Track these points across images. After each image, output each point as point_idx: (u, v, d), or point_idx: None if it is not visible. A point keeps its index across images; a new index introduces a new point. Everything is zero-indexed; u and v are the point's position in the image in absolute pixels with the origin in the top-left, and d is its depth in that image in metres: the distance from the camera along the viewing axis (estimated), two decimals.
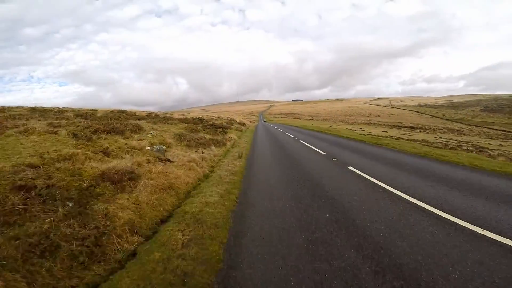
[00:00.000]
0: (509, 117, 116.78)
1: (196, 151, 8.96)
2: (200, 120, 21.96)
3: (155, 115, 22.00)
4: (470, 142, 35.26)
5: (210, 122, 20.53)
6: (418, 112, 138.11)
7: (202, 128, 15.23)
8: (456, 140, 37.12)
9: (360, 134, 26.92)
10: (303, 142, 16.25)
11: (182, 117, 22.48)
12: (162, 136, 10.48)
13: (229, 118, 43.25)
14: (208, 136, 12.64)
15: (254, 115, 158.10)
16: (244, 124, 38.71)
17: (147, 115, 20.78)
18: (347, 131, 33.58)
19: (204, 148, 9.95)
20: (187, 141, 10.09)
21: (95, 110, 20.32)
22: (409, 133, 52.47)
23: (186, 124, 15.32)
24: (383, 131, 53.05)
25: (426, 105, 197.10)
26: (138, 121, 13.36)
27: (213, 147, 10.66)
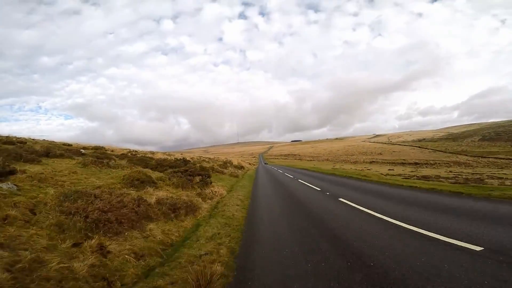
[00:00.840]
0: None
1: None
2: (185, 162, 17.83)
3: (133, 154, 18.79)
4: (483, 173, 32.61)
5: (197, 165, 16.95)
6: (419, 147, 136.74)
7: (166, 176, 9.83)
8: (468, 172, 34.54)
9: (378, 174, 24.43)
10: (327, 193, 11.62)
11: (163, 157, 19.13)
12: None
13: (225, 160, 39.60)
14: (163, 194, 7.42)
15: (254, 157, 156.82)
16: (241, 167, 32.99)
17: (127, 153, 18.59)
18: (356, 171, 31.32)
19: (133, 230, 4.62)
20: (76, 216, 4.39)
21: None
22: (416, 169, 49.96)
23: (143, 169, 10.63)
24: (389, 169, 50.78)
25: (424, 139, 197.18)
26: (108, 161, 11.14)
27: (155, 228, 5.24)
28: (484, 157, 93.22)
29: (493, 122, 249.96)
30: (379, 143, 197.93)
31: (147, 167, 12.27)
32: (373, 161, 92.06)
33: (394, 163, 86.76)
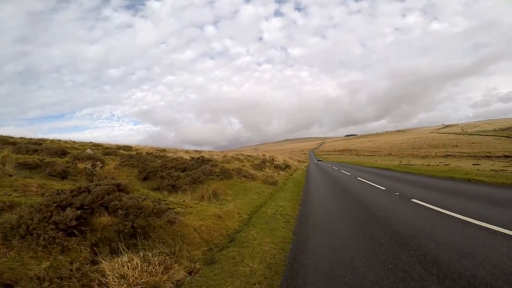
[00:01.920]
0: None
1: None
2: (202, 161, 13.54)
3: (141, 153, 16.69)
4: None
5: (219, 166, 12.95)
6: (507, 137, 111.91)
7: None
8: None
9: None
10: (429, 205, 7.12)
11: (183, 156, 16.86)
12: None
13: (264, 158, 31.13)
14: None
15: (304, 153, 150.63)
16: (287, 167, 26.11)
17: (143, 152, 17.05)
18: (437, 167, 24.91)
19: None
20: None
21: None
22: (511, 164, 39.19)
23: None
24: (473, 164, 41.42)
25: (509, 128, 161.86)
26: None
27: None
28: None
29: None
30: (452, 133, 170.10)
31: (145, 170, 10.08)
32: (448, 155, 78.04)
33: (476, 156, 71.86)
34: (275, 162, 27.32)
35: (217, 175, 10.96)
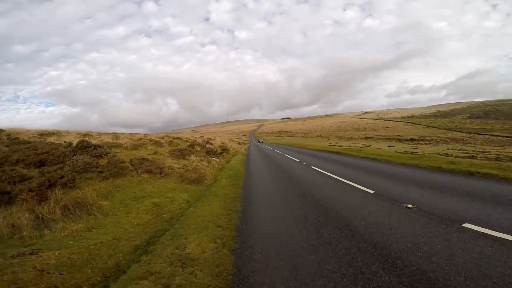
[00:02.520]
0: (504, 123, 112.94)
1: None
2: (78, 149, 8.84)
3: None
4: (487, 151, 28.12)
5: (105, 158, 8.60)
6: (412, 123, 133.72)
7: None
8: (474, 150, 29.90)
9: (394, 152, 19.11)
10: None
11: (68, 141, 10.41)
12: None
13: (196, 141, 24.71)
14: None
15: (245, 135, 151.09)
16: (224, 151, 21.05)
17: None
18: (370, 149, 26.02)
19: None
20: None
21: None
22: (417, 146, 45.75)
23: None
24: (389, 146, 46.77)
25: (413, 116, 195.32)
26: None
27: None
28: (480, 134, 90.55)
29: (479, 101, 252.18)
30: (370, 119, 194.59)
31: None
32: (368, 137, 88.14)
33: (390, 139, 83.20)
34: (208, 146, 21.09)
35: (100, 171, 7.24)
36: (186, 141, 21.75)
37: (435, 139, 78.04)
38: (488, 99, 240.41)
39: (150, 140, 17.91)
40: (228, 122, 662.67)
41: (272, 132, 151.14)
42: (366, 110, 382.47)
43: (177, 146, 16.36)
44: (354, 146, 45.64)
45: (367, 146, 47.92)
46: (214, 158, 15.32)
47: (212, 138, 41.87)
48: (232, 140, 67.83)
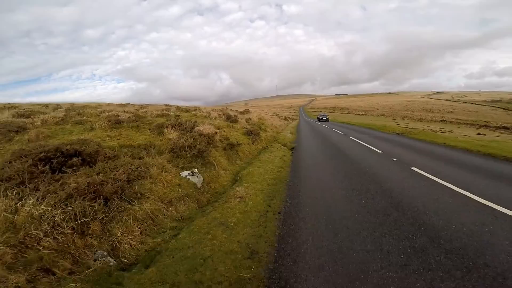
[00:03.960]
0: None
1: None
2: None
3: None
4: None
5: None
6: (503, 108, 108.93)
7: None
8: None
9: None
10: None
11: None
12: None
13: (220, 113, 18.40)
14: None
15: (294, 109, 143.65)
16: (254, 134, 13.02)
17: None
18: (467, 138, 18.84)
19: None
20: None
21: None
22: None
23: None
24: (478, 134, 36.97)
25: (500, 100, 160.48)
26: None
27: None
28: None
29: None
30: (444, 100, 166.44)
31: None
32: (444, 120, 73.97)
33: (473, 124, 68.07)
34: (238, 121, 15.90)
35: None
36: (195, 115, 16.32)
37: None
38: None
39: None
40: (277, 96, 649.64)
41: (325, 108, 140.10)
42: (438, 91, 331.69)
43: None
44: (432, 130, 37.00)
45: (449, 131, 38.56)
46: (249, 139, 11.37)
47: (250, 111, 31.40)
48: (276, 115, 51.47)
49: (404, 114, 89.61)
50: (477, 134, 37.13)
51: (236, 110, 26.73)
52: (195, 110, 19.85)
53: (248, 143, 11.44)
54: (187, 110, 19.82)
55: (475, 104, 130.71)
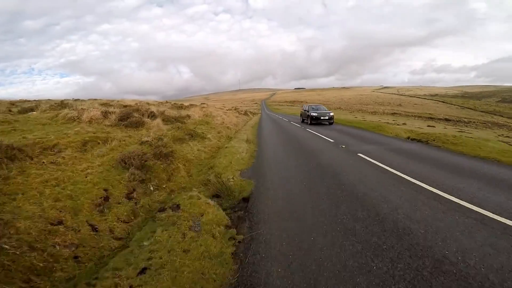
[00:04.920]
0: None
1: None
2: None
3: None
4: None
5: None
6: (443, 102, 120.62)
7: None
8: None
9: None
10: None
11: None
12: None
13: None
14: None
15: (256, 103, 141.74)
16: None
17: None
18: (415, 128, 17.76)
19: None
20: None
21: None
22: (461, 130, 37.07)
23: None
24: (428, 126, 38.67)
25: (437, 94, 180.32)
26: None
27: None
28: None
29: (509, 85, 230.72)
30: (392, 94, 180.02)
31: None
32: (395, 113, 78.12)
33: (420, 116, 73.06)
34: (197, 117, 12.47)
35: None
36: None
37: (474, 122, 67.75)
38: None
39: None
40: (239, 90, 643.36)
41: (285, 102, 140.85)
42: (385, 85, 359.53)
43: None
44: (388, 122, 37.57)
45: (402, 123, 39.64)
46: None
47: (197, 105, 25.21)
48: (235, 110, 41.37)
49: (358, 108, 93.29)
50: (427, 126, 38.65)
51: (174, 104, 21.11)
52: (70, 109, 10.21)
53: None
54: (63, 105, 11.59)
55: (419, 98, 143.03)
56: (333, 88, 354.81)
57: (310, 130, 17.14)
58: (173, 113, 12.96)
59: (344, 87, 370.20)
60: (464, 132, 28.68)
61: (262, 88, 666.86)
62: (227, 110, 28.34)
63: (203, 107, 20.66)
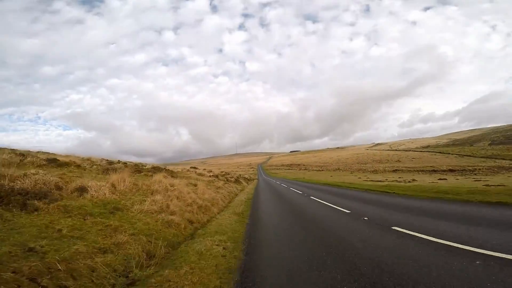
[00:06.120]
0: None
1: None
2: None
3: None
4: None
5: None
6: (440, 153, 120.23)
7: None
8: None
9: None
10: None
11: None
12: None
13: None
14: None
15: (252, 167, 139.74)
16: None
17: None
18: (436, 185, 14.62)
19: None
20: None
21: None
22: (480, 179, 33.95)
23: None
24: (439, 179, 35.64)
25: (429, 146, 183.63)
26: None
27: None
28: None
29: (494, 126, 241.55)
30: (385, 150, 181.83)
31: None
32: (396, 169, 75.58)
33: (423, 170, 70.45)
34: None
35: None
36: None
37: (479, 169, 65.05)
38: (503, 124, 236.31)
39: None
40: (236, 154, 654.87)
41: (283, 165, 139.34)
42: (376, 142, 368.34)
43: None
44: (396, 181, 35.03)
45: (412, 180, 36.80)
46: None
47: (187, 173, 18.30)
48: (225, 176, 31.56)
49: (358, 167, 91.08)
50: (438, 179, 35.62)
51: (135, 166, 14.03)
52: None
53: None
54: None
55: (415, 151, 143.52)
56: (328, 149, 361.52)
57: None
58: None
59: (338, 147, 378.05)
60: (486, 181, 25.59)
61: (259, 152, 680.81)
62: (209, 177, 19.19)
63: (183, 177, 15.24)
